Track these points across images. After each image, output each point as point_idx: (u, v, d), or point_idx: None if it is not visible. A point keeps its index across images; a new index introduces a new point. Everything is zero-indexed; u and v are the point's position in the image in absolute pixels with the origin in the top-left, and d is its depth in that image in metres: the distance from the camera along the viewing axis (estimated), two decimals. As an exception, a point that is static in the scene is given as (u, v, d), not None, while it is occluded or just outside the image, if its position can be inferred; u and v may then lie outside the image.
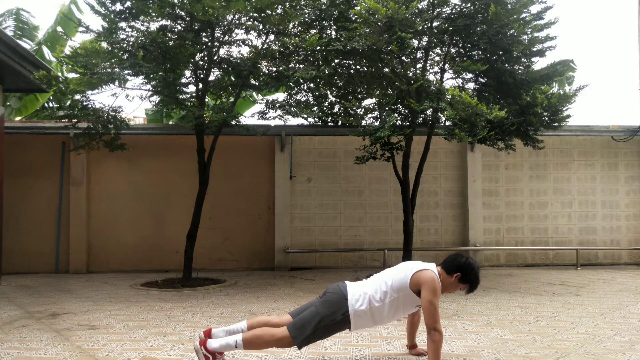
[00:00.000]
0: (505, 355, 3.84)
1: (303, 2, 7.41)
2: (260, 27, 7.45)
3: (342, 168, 9.89)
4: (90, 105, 7.56)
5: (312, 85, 8.32)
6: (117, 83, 7.17)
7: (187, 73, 8.02)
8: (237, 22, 7.34)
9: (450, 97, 6.61)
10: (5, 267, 8.37)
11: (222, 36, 7.59)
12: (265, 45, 7.76)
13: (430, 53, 7.81)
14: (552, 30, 10.75)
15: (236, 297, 6.62)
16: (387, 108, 7.88)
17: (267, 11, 7.01)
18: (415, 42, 7.42)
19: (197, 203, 7.90)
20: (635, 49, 16.76)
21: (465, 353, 3.91)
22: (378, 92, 8.23)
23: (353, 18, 7.27)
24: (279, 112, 8.17)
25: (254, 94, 10.65)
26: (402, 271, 3.46)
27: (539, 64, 24.97)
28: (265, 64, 7.73)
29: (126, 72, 7.02)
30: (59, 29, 12.26)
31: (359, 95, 8.74)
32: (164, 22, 7.43)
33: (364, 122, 8.53)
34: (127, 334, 4.56)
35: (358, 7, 6.90)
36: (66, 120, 7.99)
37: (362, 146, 8.27)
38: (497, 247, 9.94)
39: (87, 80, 6.63)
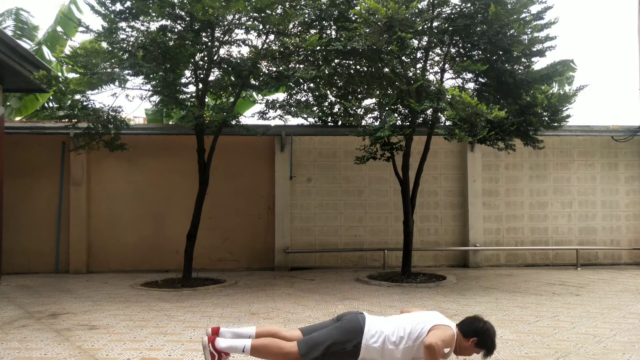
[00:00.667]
0: (505, 355, 3.84)
1: (303, 2, 7.41)
2: (260, 27, 7.45)
3: (342, 168, 9.89)
4: (90, 105, 7.56)
5: (312, 85, 8.32)
6: (117, 83, 7.17)
7: (187, 73, 8.02)
8: (237, 22, 7.33)
9: (450, 97, 6.61)
10: (5, 267, 8.37)
11: (222, 36, 7.59)
12: (265, 45, 7.76)
13: (430, 53, 7.81)
14: (552, 30, 10.75)
15: (236, 297, 6.62)
16: (387, 108, 7.88)
17: (267, 11, 7.01)
18: (415, 42, 7.43)
19: (197, 203, 7.90)
20: (635, 49, 16.76)
21: (465, 353, 3.91)
22: (378, 92, 8.23)
23: (353, 18, 7.28)
24: (279, 112, 8.18)
25: (254, 94, 10.65)
26: (422, 322, 3.38)
27: (539, 64, 24.97)
28: (265, 64, 7.73)
29: (126, 72, 7.02)
30: (59, 29, 12.26)
31: (359, 95, 8.74)
32: (164, 22, 7.43)
33: (364, 122, 8.54)
34: (127, 334, 4.56)
35: (358, 7, 6.90)
36: (66, 120, 7.99)
37: (362, 146, 8.27)
38: (497, 247, 9.93)
39: (87, 80, 6.63)
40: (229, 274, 8.94)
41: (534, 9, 7.21)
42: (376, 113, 8.57)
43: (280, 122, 8.82)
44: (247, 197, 9.74)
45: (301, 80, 7.71)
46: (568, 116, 7.61)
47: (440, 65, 7.85)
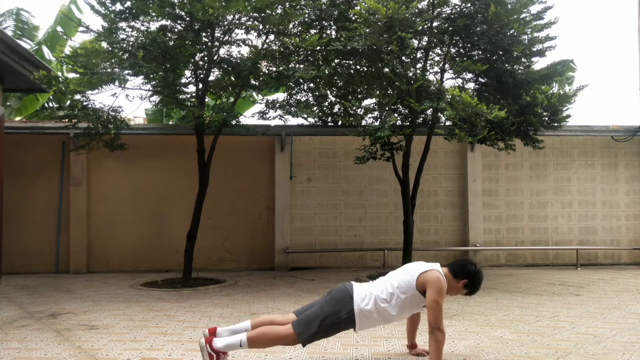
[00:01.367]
0: (505, 355, 3.84)
1: (303, 2, 7.40)
2: (260, 27, 7.45)
3: (342, 168, 9.89)
4: (90, 105, 7.55)
5: (312, 85, 8.32)
6: (117, 83, 7.17)
7: (187, 73, 8.02)
8: (237, 22, 7.33)
9: (450, 97, 6.61)
10: (5, 267, 8.37)
11: (222, 36, 7.59)
12: (265, 45, 7.76)
13: (430, 53, 7.81)
14: (552, 30, 10.70)
15: (236, 297, 6.62)
16: (387, 108, 7.87)
17: (267, 11, 7.01)
18: (415, 42, 7.43)
19: (197, 203, 7.90)
20: (635, 49, 16.76)
21: (465, 353, 3.91)
22: (378, 92, 8.23)
23: (353, 18, 7.27)
24: (279, 112, 8.17)
25: (254, 94, 10.65)
26: (408, 272, 3.47)
27: (539, 64, 24.97)
28: (265, 64, 7.73)
29: (126, 72, 7.01)
30: (59, 28, 12.25)
31: (359, 95, 8.73)
32: (164, 22, 7.43)
33: (364, 122, 8.53)
34: (127, 334, 4.56)
35: (358, 7, 6.90)
36: (66, 120, 7.99)
37: (362, 146, 8.27)
38: (497, 247, 9.94)
39: (87, 80, 6.63)
40: (229, 274, 8.94)
41: (534, 9, 7.21)
42: (376, 113, 8.56)
43: (280, 122, 8.82)
44: (247, 197, 9.74)
45: (301, 80, 7.71)
46: (568, 116, 7.61)
47: (440, 65, 7.85)
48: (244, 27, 7.42)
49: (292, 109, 8.01)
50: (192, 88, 8.04)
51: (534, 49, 7.26)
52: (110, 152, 8.24)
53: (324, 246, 9.76)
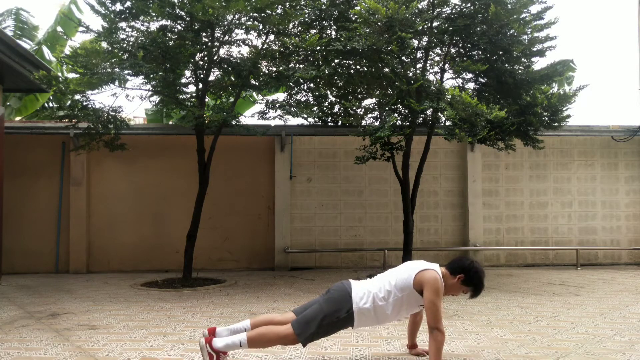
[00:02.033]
0: (505, 355, 3.84)
1: (303, 2, 7.40)
2: (260, 27, 7.45)
3: (342, 168, 9.89)
4: (90, 105, 7.55)
5: (312, 85, 8.32)
6: (117, 83, 7.17)
7: (187, 73, 8.02)
8: (237, 22, 7.33)
9: (450, 97, 6.61)
10: (5, 267, 8.37)
11: (222, 36, 7.59)
12: (265, 45, 7.76)
13: (430, 53, 7.81)
14: (552, 30, 10.71)
15: (236, 297, 6.62)
16: (387, 108, 7.87)
17: (267, 11, 7.00)
18: (415, 42, 7.43)
19: (197, 203, 7.90)
20: (635, 49, 16.75)
21: (465, 353, 3.91)
22: (378, 92, 8.23)
23: (353, 18, 7.27)
24: (279, 112, 8.17)
25: (254, 94, 10.65)
26: (406, 271, 3.47)
27: (539, 64, 24.96)
28: (265, 64, 7.72)
29: (126, 72, 7.01)
30: (59, 29, 12.25)
31: (359, 95, 8.73)
32: (164, 22, 7.43)
33: (364, 122, 8.52)
34: (127, 334, 4.56)
35: (358, 7, 6.89)
36: (66, 120, 7.98)
37: (362, 146, 8.27)
38: (497, 247, 9.94)
39: (87, 80, 6.63)
40: (229, 274, 8.94)
41: (534, 9, 7.21)
42: (376, 113, 8.56)
43: (280, 122, 8.81)
44: (247, 197, 9.74)
45: (301, 80, 7.71)
46: (568, 116, 7.61)
47: (440, 65, 7.85)
48: (244, 27, 7.42)
49: (292, 109, 8.01)
50: (192, 88, 8.06)
51: (534, 49, 7.27)
52: (110, 152, 8.24)
53: (324, 246, 9.76)
